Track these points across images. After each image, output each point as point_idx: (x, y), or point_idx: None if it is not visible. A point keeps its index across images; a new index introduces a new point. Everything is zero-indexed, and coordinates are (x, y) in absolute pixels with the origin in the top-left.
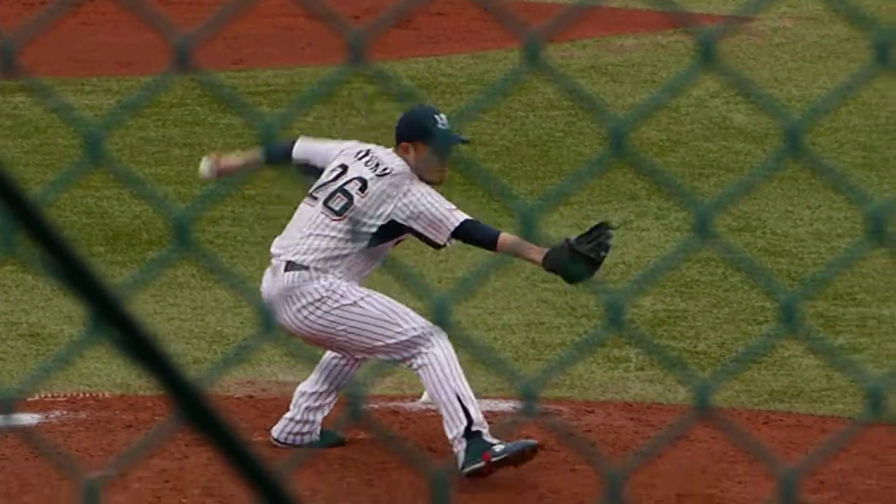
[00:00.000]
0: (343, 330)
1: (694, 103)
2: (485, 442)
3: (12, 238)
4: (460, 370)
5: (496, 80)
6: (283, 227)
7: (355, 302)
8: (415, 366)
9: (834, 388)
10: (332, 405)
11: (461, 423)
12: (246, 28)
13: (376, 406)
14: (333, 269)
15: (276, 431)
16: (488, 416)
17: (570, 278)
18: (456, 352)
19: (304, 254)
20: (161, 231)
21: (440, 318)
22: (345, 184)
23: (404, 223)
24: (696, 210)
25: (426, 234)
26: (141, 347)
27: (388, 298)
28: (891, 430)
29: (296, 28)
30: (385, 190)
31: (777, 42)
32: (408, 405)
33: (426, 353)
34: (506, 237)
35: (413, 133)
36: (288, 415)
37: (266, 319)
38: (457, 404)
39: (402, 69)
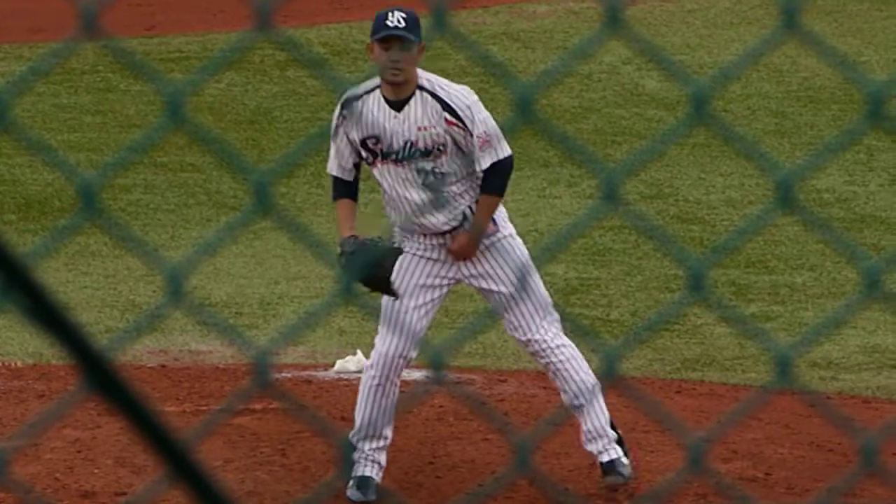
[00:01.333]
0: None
1: (606, 70)
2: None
3: None
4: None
5: None
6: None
7: None
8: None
9: (746, 357)
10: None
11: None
12: None
13: (289, 375)
14: None
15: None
16: (400, 385)
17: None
18: (366, 320)
19: None
20: (73, 199)
21: (348, 285)
22: None
23: None
24: (606, 176)
25: None
26: (50, 316)
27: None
28: (802, 399)
29: None
30: None
31: (689, 8)
32: (321, 374)
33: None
34: (337, 204)
35: (372, 34)
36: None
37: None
38: None
39: (315, 35)
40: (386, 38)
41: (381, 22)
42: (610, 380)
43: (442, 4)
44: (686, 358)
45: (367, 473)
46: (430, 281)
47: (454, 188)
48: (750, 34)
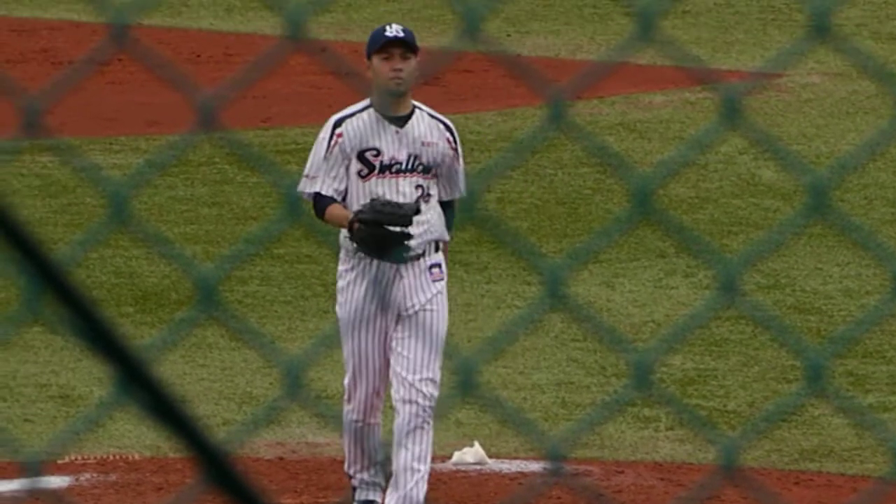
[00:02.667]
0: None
1: (722, 160)
2: None
3: (38, 299)
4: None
5: (524, 137)
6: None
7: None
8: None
9: (864, 448)
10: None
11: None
12: (273, 87)
13: None
14: None
15: None
16: (518, 476)
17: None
18: (484, 412)
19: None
20: (190, 291)
21: (467, 378)
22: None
23: None
24: (723, 267)
25: None
26: (167, 409)
27: None
28: None
29: (323, 86)
30: None
31: (805, 98)
32: (438, 466)
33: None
34: (328, 215)
35: (369, 48)
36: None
37: (294, 380)
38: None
39: None
40: (387, 47)
41: (379, 33)
42: (729, 471)
43: (559, 95)
44: (804, 449)
45: (372, 498)
46: (379, 314)
47: (429, 215)
48: (866, 123)
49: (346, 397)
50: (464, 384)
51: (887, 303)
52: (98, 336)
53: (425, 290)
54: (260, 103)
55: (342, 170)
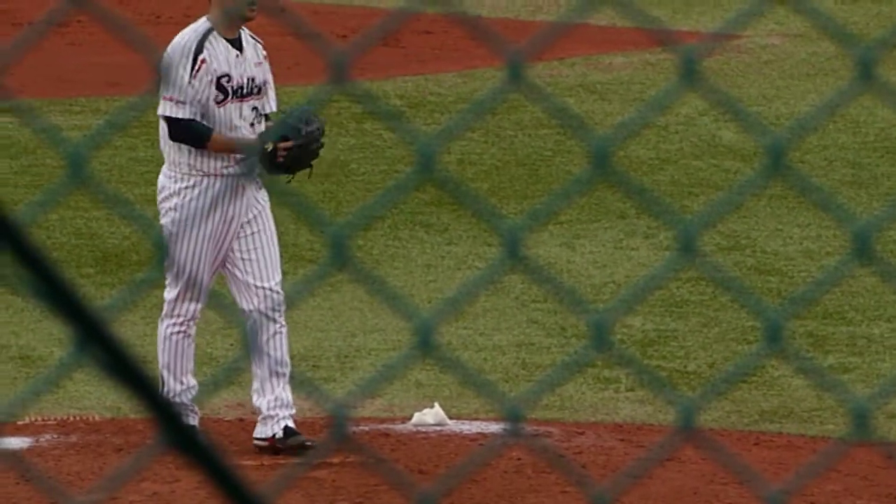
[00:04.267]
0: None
1: (683, 121)
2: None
3: None
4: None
5: (484, 98)
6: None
7: None
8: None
9: (824, 409)
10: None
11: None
12: None
13: (366, 428)
14: None
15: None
16: (478, 437)
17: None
18: (444, 373)
19: None
20: (150, 252)
21: (427, 339)
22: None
23: None
24: (683, 228)
25: None
26: (127, 370)
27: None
28: (881, 451)
29: (283, 47)
30: None
31: (765, 59)
32: (398, 427)
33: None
34: (213, 141)
35: None
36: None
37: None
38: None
39: (391, 88)
40: None
41: None
42: (688, 432)
43: (518, 57)
44: (764, 410)
45: (192, 423)
46: (226, 228)
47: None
48: (826, 85)
49: (170, 311)
50: (423, 345)
51: (847, 264)
52: (58, 297)
53: (259, 200)
54: None
55: (204, 95)
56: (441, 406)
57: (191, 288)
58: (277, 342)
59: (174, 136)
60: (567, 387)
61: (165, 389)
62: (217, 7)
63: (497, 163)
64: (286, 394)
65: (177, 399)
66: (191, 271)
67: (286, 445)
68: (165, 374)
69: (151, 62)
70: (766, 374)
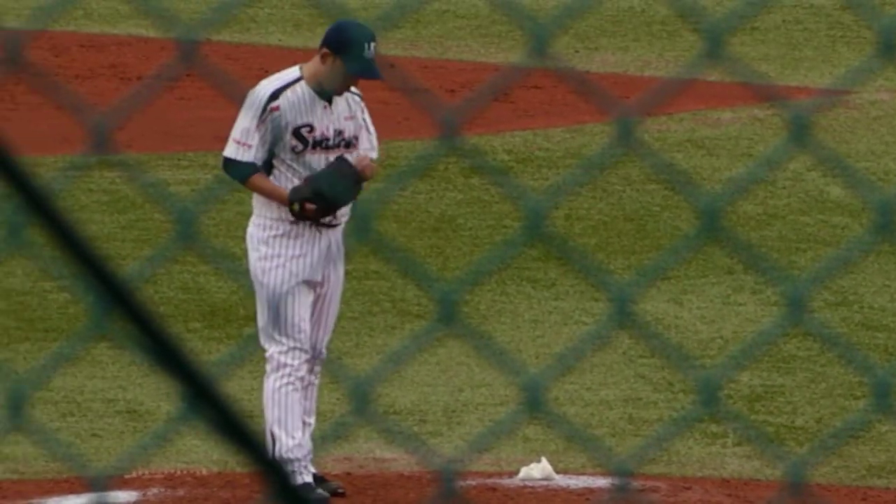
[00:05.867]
0: None
1: (790, 177)
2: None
3: (106, 316)
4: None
5: (593, 154)
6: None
7: None
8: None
9: None
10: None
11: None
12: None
13: (473, 483)
14: None
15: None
16: (585, 492)
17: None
18: (552, 428)
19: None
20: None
21: (535, 394)
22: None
23: None
24: (791, 285)
25: None
26: (234, 426)
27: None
28: None
29: (392, 102)
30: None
31: (874, 115)
32: (505, 482)
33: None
34: (254, 182)
35: (338, 47)
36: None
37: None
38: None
39: (499, 143)
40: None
41: (365, 57)
42: (796, 488)
43: (627, 112)
44: (871, 465)
45: (308, 480)
46: (314, 277)
47: None
48: None
49: (277, 365)
50: (531, 400)
51: None
52: (165, 352)
53: (341, 258)
54: None
55: (270, 141)
56: (548, 461)
57: (295, 337)
58: (310, 392)
59: (225, 168)
60: (674, 442)
61: (278, 447)
62: (319, 65)
63: (604, 218)
64: (310, 443)
65: (290, 455)
66: (292, 319)
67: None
68: (276, 429)
69: None
70: (873, 430)
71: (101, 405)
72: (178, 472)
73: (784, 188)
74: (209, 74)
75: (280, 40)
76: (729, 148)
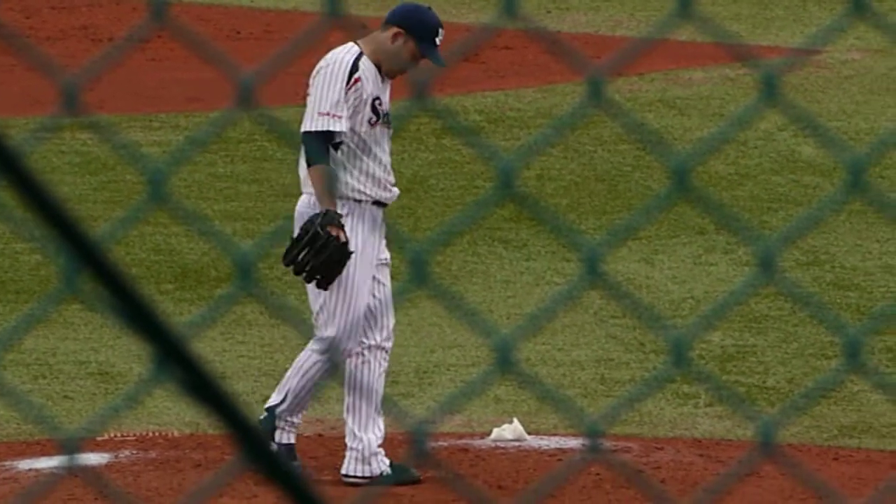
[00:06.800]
0: None
1: (762, 136)
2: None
3: (76, 277)
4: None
5: (564, 114)
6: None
7: None
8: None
9: None
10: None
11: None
12: (313, 63)
13: (445, 444)
14: None
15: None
16: (557, 453)
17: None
18: (523, 389)
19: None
20: (229, 268)
21: (506, 355)
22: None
23: None
24: (762, 244)
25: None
26: (206, 387)
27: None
28: None
29: None
30: None
31: (845, 74)
32: (477, 443)
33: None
34: (321, 169)
35: (414, 29)
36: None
37: (333, 360)
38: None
39: (470, 103)
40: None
41: (437, 43)
42: (767, 448)
43: (598, 72)
44: (843, 425)
45: (292, 441)
46: (381, 257)
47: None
48: None
49: (325, 349)
50: (502, 361)
51: None
52: (137, 313)
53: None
54: (300, 80)
55: (359, 108)
56: (520, 422)
57: (351, 322)
58: (383, 380)
59: (309, 143)
60: (646, 402)
61: (280, 408)
62: (387, 43)
63: (576, 178)
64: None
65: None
66: (350, 303)
67: (400, 481)
68: (290, 397)
69: (231, 78)
70: (845, 390)
71: (73, 367)
72: (150, 434)
73: (755, 148)
74: (181, 35)
75: (252, 1)
76: (700, 108)
